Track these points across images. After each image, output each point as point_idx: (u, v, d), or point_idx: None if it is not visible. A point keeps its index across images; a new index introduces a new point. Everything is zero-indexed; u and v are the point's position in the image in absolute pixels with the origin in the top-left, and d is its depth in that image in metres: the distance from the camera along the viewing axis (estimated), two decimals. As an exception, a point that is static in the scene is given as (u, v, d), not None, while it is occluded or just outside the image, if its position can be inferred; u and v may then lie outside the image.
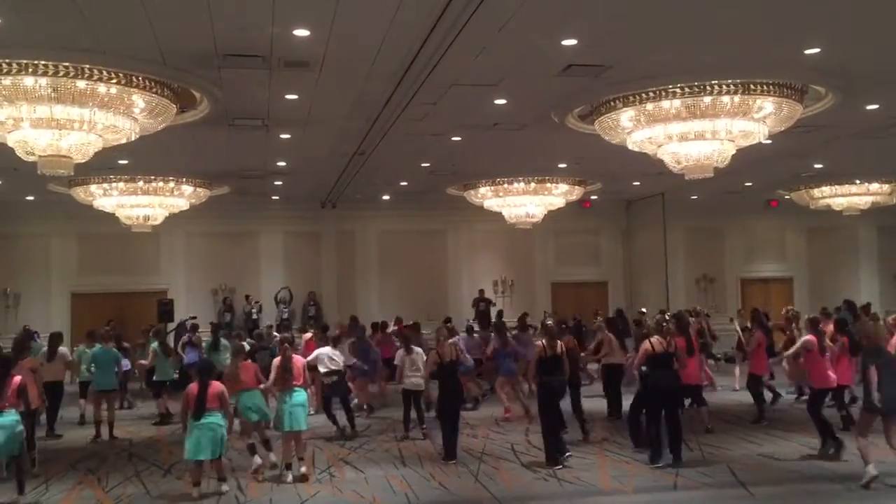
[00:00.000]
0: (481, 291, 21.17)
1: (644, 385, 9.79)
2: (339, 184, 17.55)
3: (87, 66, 8.71)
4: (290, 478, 8.93)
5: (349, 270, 21.72)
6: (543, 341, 9.87)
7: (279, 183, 17.74)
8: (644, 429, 9.79)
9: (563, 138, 12.87)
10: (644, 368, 9.62)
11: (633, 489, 8.35)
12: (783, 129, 11.14)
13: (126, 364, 14.14)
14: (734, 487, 8.36)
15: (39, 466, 9.68)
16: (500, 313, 18.54)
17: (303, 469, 9.06)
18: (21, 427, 8.09)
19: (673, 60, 9.24)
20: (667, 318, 11.44)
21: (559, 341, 9.92)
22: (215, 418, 8.32)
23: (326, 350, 11.62)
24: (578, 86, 10.15)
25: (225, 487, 8.50)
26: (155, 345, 13.57)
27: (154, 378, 13.65)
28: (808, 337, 10.01)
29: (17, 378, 8.23)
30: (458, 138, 13.21)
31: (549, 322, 10.98)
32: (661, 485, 8.50)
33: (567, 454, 9.54)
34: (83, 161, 10.08)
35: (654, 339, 9.50)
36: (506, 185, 17.15)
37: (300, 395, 9.13)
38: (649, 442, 9.49)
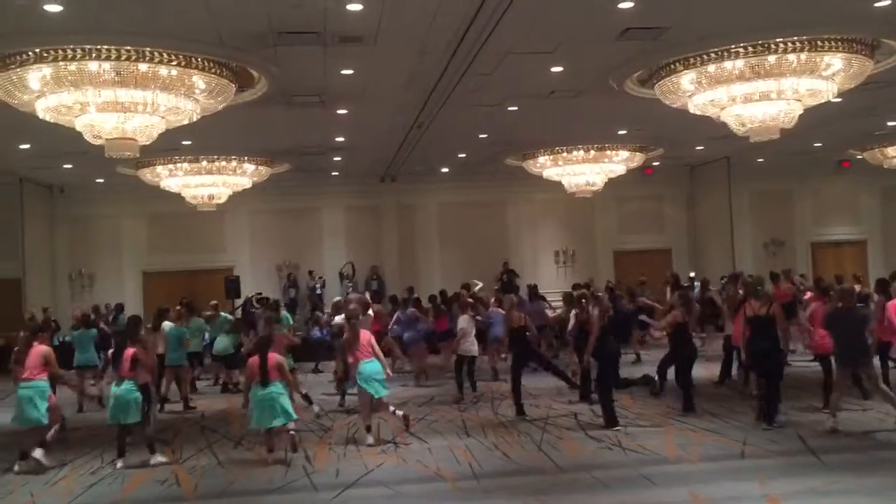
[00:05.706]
0: (505, 264, 21.11)
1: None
2: (397, 157, 17.60)
3: (148, 49, 8.92)
4: (370, 440, 9.27)
5: (410, 244, 21.84)
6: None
7: (338, 158, 17.88)
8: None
9: (623, 104, 12.65)
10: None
11: (699, 457, 8.26)
12: (853, 86, 10.73)
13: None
14: (804, 455, 8.19)
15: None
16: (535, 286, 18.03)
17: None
18: (136, 395, 8.68)
19: (735, 19, 8.95)
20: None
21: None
22: (276, 388, 8.79)
23: None
24: (636, 49, 9.95)
25: (291, 455, 8.85)
26: None
27: None
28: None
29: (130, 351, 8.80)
30: (515, 108, 13.09)
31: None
32: (726, 453, 8.38)
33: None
34: (148, 143, 10.36)
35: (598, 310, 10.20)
36: (565, 154, 16.97)
37: (373, 365, 9.38)
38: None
